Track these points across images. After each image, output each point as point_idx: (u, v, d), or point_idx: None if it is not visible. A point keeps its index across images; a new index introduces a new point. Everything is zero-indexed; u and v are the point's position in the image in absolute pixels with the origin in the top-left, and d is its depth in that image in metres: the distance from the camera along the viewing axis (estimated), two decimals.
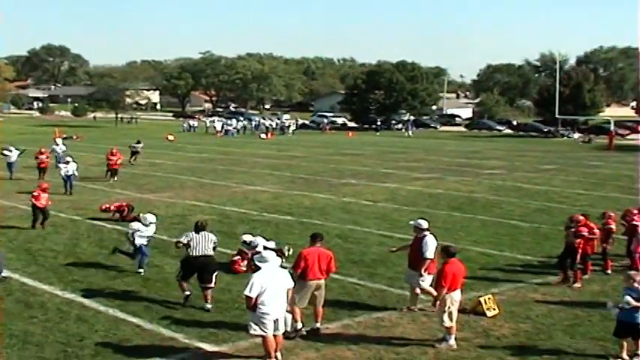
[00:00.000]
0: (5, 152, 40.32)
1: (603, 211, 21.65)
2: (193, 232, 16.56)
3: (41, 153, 38.89)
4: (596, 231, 19.39)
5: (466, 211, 29.85)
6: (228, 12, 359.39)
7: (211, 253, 16.43)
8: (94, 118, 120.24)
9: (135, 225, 19.75)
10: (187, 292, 16.16)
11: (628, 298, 12.99)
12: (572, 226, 18.74)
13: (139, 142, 49.59)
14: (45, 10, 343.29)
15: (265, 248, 18.00)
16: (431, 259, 15.72)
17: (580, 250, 18.42)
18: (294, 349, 13.59)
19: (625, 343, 13.33)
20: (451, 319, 13.90)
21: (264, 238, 20.24)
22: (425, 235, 15.98)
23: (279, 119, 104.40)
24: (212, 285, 16.09)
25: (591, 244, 19.14)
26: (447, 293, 13.77)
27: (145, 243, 19.50)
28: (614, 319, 13.42)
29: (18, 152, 40.42)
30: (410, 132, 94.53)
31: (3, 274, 18.46)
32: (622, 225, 20.81)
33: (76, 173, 33.95)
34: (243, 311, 13.95)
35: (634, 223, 19.98)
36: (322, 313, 14.65)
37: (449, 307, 13.83)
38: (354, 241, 23.60)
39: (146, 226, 19.66)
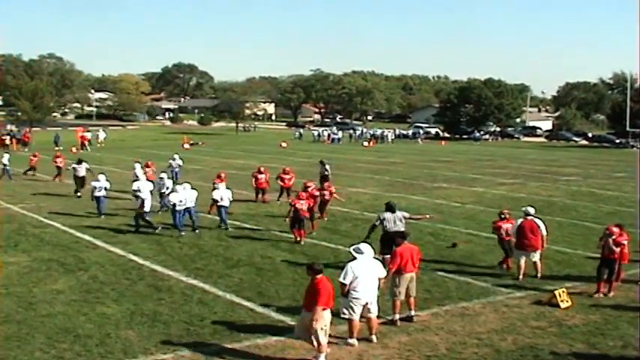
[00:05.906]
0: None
1: None
2: (387, 212, 18.09)
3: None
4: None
5: (545, 213, 29.12)
6: (336, 35, 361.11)
7: (403, 228, 17.25)
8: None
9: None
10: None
11: None
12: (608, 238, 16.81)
13: (323, 163, 35.99)
14: (178, 34, 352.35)
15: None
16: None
17: (618, 260, 16.82)
18: (388, 333, 13.61)
19: None
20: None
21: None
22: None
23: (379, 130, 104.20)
24: None
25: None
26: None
27: None
28: None
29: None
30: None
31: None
32: None
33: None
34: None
35: None
36: (415, 303, 14.61)
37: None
38: (445, 238, 23.44)
39: None
